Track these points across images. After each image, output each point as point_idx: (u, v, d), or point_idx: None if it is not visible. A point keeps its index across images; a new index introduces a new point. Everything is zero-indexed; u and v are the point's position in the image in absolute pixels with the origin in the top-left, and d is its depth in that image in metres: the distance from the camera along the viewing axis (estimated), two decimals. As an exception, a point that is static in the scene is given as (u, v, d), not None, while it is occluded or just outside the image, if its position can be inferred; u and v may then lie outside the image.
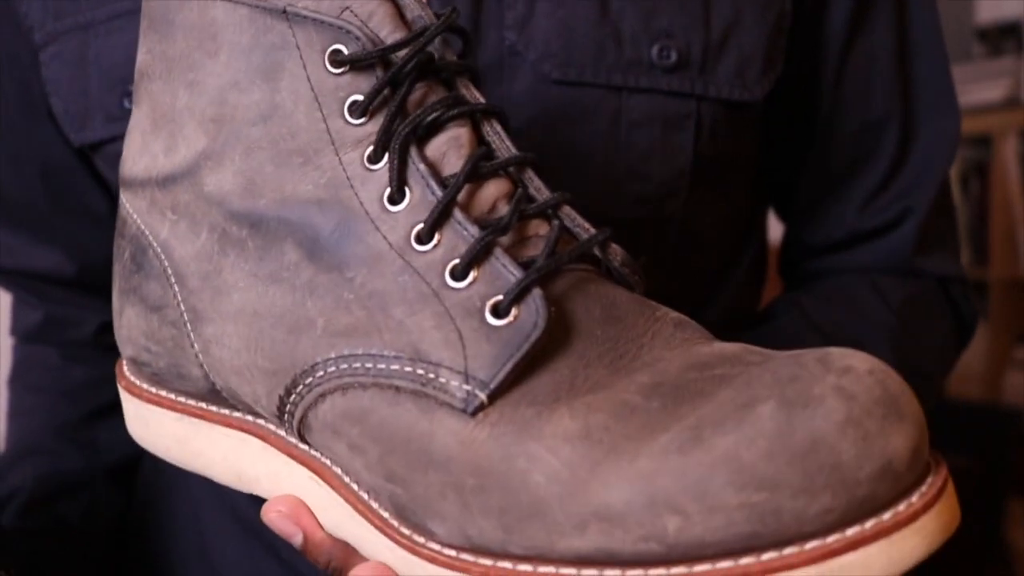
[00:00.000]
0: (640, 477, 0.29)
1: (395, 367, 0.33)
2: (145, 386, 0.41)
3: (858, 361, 0.29)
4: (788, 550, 0.28)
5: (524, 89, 0.48)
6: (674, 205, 0.50)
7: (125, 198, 0.41)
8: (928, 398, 0.32)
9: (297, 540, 0.36)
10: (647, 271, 0.36)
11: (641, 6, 0.48)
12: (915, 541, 0.28)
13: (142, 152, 0.40)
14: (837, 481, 0.28)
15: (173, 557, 0.56)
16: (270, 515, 0.36)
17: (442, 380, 0.32)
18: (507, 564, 0.31)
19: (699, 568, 0.29)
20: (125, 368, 0.42)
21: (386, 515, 0.34)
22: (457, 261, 0.33)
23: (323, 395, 0.34)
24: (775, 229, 0.63)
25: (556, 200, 0.35)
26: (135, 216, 0.40)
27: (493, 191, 0.35)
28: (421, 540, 0.33)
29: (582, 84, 0.48)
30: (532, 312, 0.32)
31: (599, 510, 0.29)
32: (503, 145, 0.36)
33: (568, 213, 0.35)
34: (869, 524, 0.28)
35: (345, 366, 0.34)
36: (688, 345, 0.33)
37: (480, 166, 0.34)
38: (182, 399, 0.40)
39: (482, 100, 0.36)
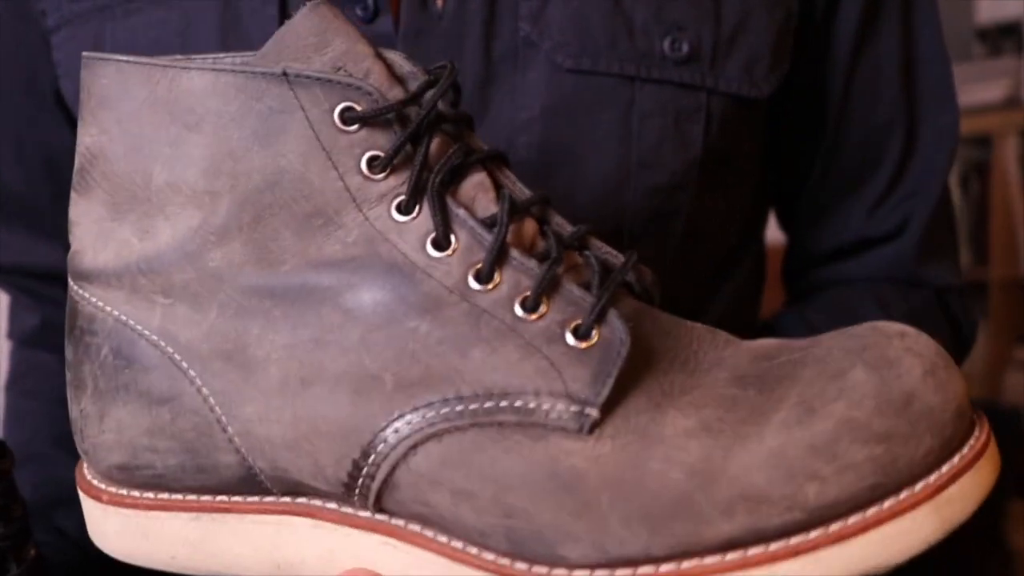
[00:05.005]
0: (774, 454, 0.31)
1: (489, 404, 0.33)
2: (140, 494, 0.37)
3: (904, 327, 0.34)
4: (903, 494, 0.32)
5: (538, 78, 0.49)
6: (683, 198, 0.52)
7: (90, 293, 0.37)
8: None
9: None
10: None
11: None
12: (987, 469, 0.33)
13: (103, 241, 0.37)
14: (932, 425, 0.32)
15: None
16: None
17: (545, 407, 0.33)
18: (649, 569, 0.32)
19: (834, 527, 0.31)
20: (100, 482, 0.38)
21: (492, 556, 0.33)
22: (527, 294, 0.34)
23: (414, 447, 0.33)
24: (775, 231, 0.64)
25: (584, 231, 0.37)
26: (109, 309, 0.37)
27: (528, 228, 0.36)
28: (544, 571, 0.33)
29: (595, 73, 0.49)
30: (615, 329, 0.33)
31: (745, 491, 0.31)
32: (515, 187, 0.37)
33: (594, 242, 0.37)
34: (956, 459, 0.32)
35: (432, 414, 0.33)
36: (733, 345, 0.36)
37: (515, 205, 0.36)
38: (194, 497, 0.36)
39: (485, 147, 0.37)
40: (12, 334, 0.62)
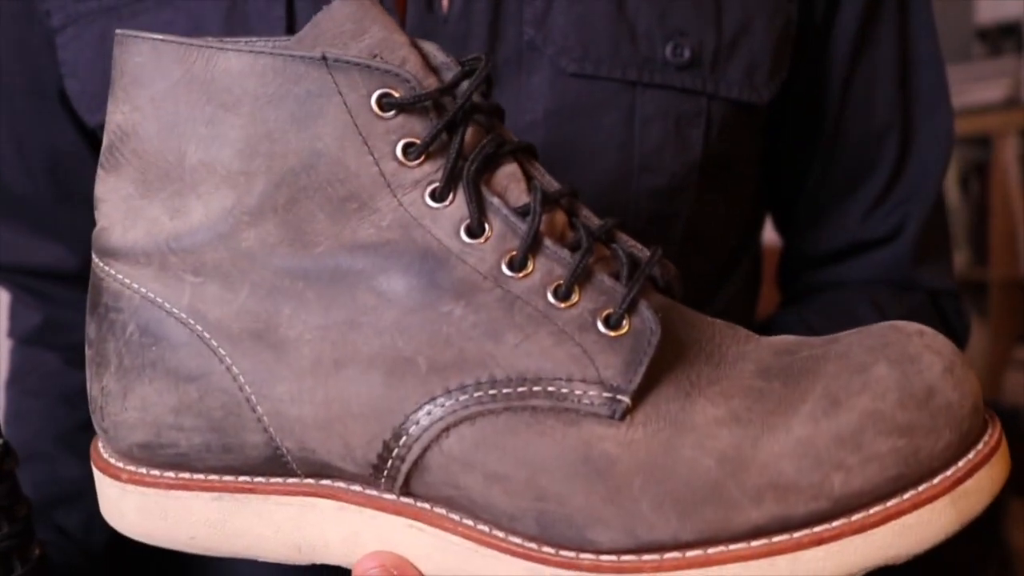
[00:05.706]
0: (802, 444, 0.32)
1: (522, 389, 0.33)
2: (160, 473, 0.37)
3: (921, 326, 0.35)
4: (923, 486, 0.33)
5: (541, 82, 0.50)
6: (683, 201, 0.53)
7: (116, 270, 0.37)
8: None
9: None
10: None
11: (656, 5, 0.51)
12: (1001, 464, 0.34)
13: (132, 219, 0.37)
14: (951, 419, 0.33)
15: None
16: (370, 573, 0.34)
17: (578, 392, 0.33)
18: (676, 554, 0.32)
19: (857, 516, 0.32)
20: (118, 460, 0.38)
21: (519, 540, 0.34)
22: (560, 283, 0.34)
23: (447, 429, 0.33)
24: (769, 232, 0.65)
25: (612, 224, 0.37)
26: (136, 286, 0.37)
27: (559, 218, 0.37)
28: (571, 555, 0.33)
29: (597, 78, 0.50)
30: (646, 319, 0.34)
31: (773, 479, 0.32)
32: (544, 178, 0.38)
33: (620, 235, 0.38)
34: (972, 454, 0.34)
35: (466, 397, 0.33)
36: (754, 340, 0.37)
37: (546, 196, 0.36)
38: (216, 477, 0.36)
39: (515, 138, 0.38)
40: (13, 333, 0.61)
